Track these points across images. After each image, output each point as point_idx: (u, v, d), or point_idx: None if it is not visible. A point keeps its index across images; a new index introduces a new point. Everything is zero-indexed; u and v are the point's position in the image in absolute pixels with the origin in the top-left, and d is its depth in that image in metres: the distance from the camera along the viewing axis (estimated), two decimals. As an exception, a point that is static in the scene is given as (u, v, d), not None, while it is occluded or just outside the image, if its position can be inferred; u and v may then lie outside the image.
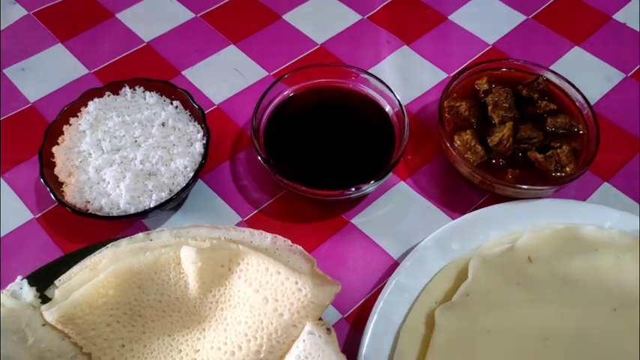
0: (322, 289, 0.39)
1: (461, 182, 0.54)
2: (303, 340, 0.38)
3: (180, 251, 0.41)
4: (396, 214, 0.53)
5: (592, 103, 0.59)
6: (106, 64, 0.63)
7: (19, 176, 0.54)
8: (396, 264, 0.50)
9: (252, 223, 0.52)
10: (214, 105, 0.60)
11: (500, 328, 0.44)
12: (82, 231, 0.50)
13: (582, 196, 0.54)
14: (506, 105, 0.51)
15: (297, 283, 0.38)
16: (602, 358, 0.44)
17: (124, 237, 0.44)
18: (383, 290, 0.46)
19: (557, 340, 0.44)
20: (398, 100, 0.52)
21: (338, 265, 0.50)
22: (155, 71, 0.62)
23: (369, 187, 0.48)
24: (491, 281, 0.46)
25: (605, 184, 0.55)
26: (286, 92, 0.55)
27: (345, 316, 0.48)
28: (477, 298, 0.45)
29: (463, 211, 0.53)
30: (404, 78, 0.62)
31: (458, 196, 0.54)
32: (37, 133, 0.51)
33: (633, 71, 0.63)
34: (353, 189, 0.47)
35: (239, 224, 0.52)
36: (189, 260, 0.40)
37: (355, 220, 0.53)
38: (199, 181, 0.54)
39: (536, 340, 0.44)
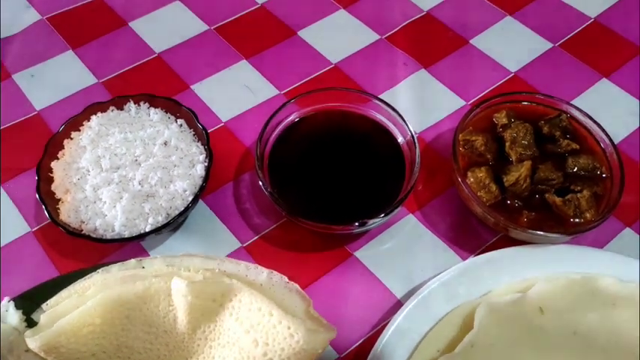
0: (316, 335, 0.37)
1: (473, 219, 0.51)
2: (293, 389, 0.36)
3: (172, 283, 0.40)
4: (403, 250, 0.50)
5: (617, 140, 0.57)
6: (115, 74, 0.62)
7: (19, 187, 0.53)
8: (398, 303, 0.47)
9: (251, 250, 0.50)
10: (221, 122, 0.58)
11: (505, 383, 0.42)
12: (76, 248, 0.49)
13: (601, 240, 0.51)
14: (525, 142, 0.48)
15: (289, 327, 0.36)
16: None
17: (116, 261, 0.43)
18: (383, 333, 0.43)
19: (566, 400, 0.41)
20: (410, 130, 0.50)
21: (338, 301, 0.48)
22: (164, 84, 0.61)
23: (374, 223, 0.46)
24: (498, 332, 0.43)
25: (627, 229, 0.51)
26: (294, 115, 0.53)
27: (342, 355, 0.45)
28: (482, 350, 0.42)
29: (473, 251, 0.50)
30: (419, 104, 0.60)
31: (469, 233, 0.51)
32: (41, 142, 0.50)
33: (662, 107, 0.59)
34: (357, 224, 0.45)
35: (238, 250, 0.50)
36: (179, 293, 0.39)
37: (359, 253, 0.50)
38: (200, 201, 0.53)
39: (543, 399, 0.41)
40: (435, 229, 0.52)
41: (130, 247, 0.50)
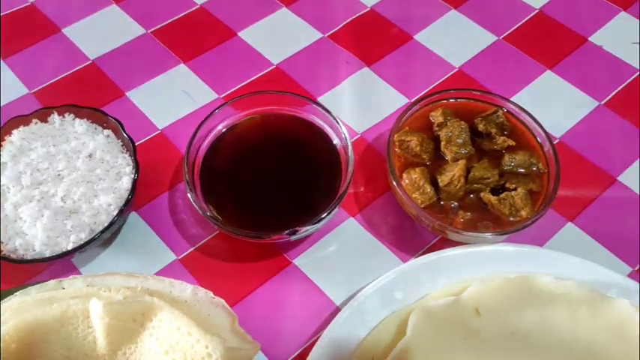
0: (236, 352, 0.35)
1: (414, 220, 0.51)
2: (213, 411, 0.34)
3: (90, 304, 0.38)
4: (343, 255, 0.49)
5: (561, 132, 0.56)
6: (47, 83, 0.60)
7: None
8: (337, 310, 0.46)
9: (187, 262, 0.49)
10: (158, 130, 0.56)
11: (441, 388, 0.41)
12: (3, 270, 0.47)
13: (544, 236, 0.50)
14: (461, 141, 0.47)
15: (207, 347, 0.35)
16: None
17: (36, 282, 0.41)
18: (317, 342, 0.42)
19: (505, 402, 0.41)
20: (344, 132, 0.48)
21: (275, 311, 0.47)
22: (99, 92, 0.59)
23: (307, 231, 0.45)
24: (434, 336, 0.42)
25: (569, 224, 0.51)
26: (227, 121, 0.51)
27: (279, 368, 0.44)
28: (417, 355, 0.41)
29: (415, 252, 0.49)
30: (361, 103, 0.58)
31: (410, 235, 0.50)
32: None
33: (607, 99, 0.59)
34: (287, 233, 0.43)
35: (173, 263, 0.49)
36: (96, 315, 0.37)
37: (298, 261, 0.49)
38: (134, 213, 0.51)
39: (482, 402, 0.41)
40: (377, 232, 0.51)
41: (59, 265, 0.48)
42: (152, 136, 0.56)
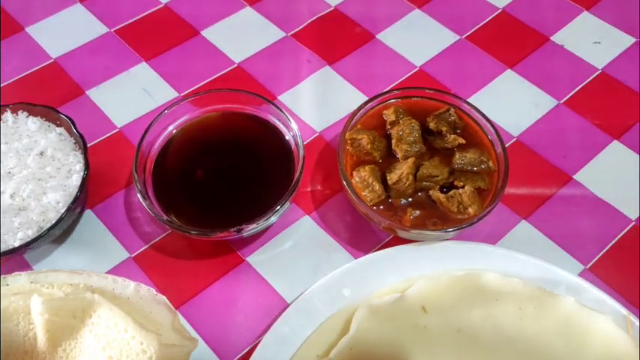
0: (171, 349, 0.35)
1: (368, 222, 0.51)
2: (147, 407, 0.35)
3: (30, 301, 0.38)
4: (296, 253, 0.49)
5: (519, 131, 0.57)
6: (8, 82, 0.60)
7: None
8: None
9: (140, 260, 0.49)
10: (116, 128, 0.56)
11: (386, 385, 0.41)
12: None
13: (498, 234, 0.50)
14: (411, 139, 0.47)
15: (142, 343, 0.35)
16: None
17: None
18: (263, 338, 0.42)
19: (449, 399, 0.41)
20: (295, 130, 0.48)
21: (226, 308, 0.47)
22: (59, 90, 0.59)
23: (254, 229, 0.45)
24: (379, 333, 0.42)
25: (523, 222, 0.51)
26: (182, 119, 0.51)
27: (228, 365, 0.44)
28: (362, 352, 0.41)
29: (368, 251, 0.49)
30: (321, 101, 0.58)
31: (364, 233, 0.50)
32: None
33: (566, 98, 0.59)
34: (233, 231, 0.43)
35: (126, 261, 0.49)
36: (36, 312, 0.37)
37: (251, 258, 0.49)
38: (89, 211, 0.51)
39: (427, 399, 0.41)
40: (331, 230, 0.51)
41: (13, 262, 0.48)
42: (110, 134, 0.56)
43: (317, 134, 0.56)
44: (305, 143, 0.55)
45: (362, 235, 0.50)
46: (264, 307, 0.47)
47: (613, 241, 0.50)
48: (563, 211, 0.52)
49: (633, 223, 0.51)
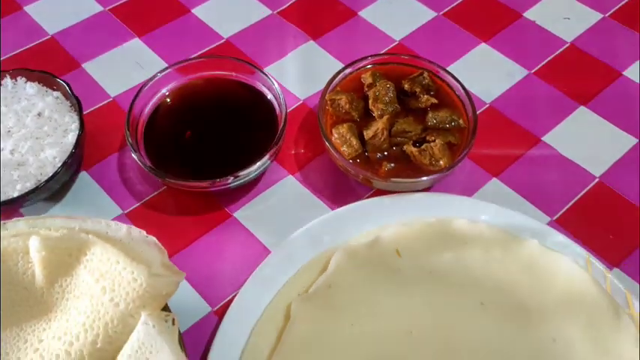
0: (159, 279, 0.38)
1: (350, 178, 0.54)
2: (138, 331, 0.37)
3: (29, 241, 0.41)
4: (280, 208, 0.52)
5: (492, 98, 0.60)
6: (7, 56, 0.63)
7: None
8: (272, 257, 0.49)
9: (133, 216, 0.52)
10: (110, 97, 0.60)
11: (363, 322, 0.44)
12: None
13: (470, 190, 0.53)
14: (387, 99, 0.51)
15: (132, 272, 0.38)
16: (467, 352, 0.43)
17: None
18: (246, 282, 0.45)
19: (422, 334, 0.43)
20: (277, 92, 0.52)
21: (213, 258, 0.50)
22: (56, 64, 0.62)
23: (238, 180, 0.48)
24: (355, 274, 0.45)
25: (494, 179, 0.54)
26: (171, 84, 0.54)
27: (215, 309, 0.47)
28: (340, 291, 0.44)
29: (348, 206, 0.52)
30: (305, 73, 0.62)
31: (344, 190, 0.53)
32: None
33: (537, 68, 0.62)
34: (219, 180, 0.46)
35: (119, 217, 0.52)
36: (34, 249, 0.40)
37: (238, 214, 0.52)
38: (84, 173, 0.54)
39: (400, 335, 0.43)
40: (314, 188, 0.54)
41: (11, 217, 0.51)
42: (104, 103, 0.59)
43: (300, 102, 0.60)
44: (289, 110, 0.58)
45: (342, 193, 0.53)
46: (249, 257, 0.49)
47: (578, 196, 0.53)
48: (531, 170, 0.55)
49: (597, 180, 0.54)
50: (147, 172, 0.53)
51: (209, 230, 0.51)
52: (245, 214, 0.52)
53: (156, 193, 0.53)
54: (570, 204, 0.53)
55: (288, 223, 0.51)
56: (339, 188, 0.53)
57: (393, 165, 0.49)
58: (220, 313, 0.47)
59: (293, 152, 0.56)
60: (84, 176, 0.54)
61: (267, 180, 0.54)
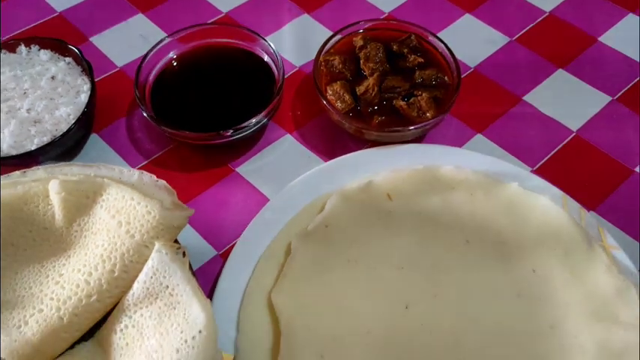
0: (171, 212, 0.42)
1: (344, 134, 0.57)
2: (152, 258, 0.41)
3: (49, 185, 0.44)
4: (279, 163, 0.56)
5: (476, 62, 0.64)
6: (18, 31, 0.66)
7: None
8: (272, 206, 0.53)
9: (141, 172, 0.55)
10: (117, 67, 0.63)
11: (358, 258, 0.47)
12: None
13: (456, 145, 0.57)
14: (377, 59, 0.54)
15: (146, 206, 0.41)
16: (454, 284, 0.47)
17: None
18: (248, 226, 0.49)
19: (412, 269, 0.47)
20: (273, 50, 0.55)
21: (218, 208, 0.53)
22: (64, 37, 0.65)
23: (240, 133, 0.51)
24: (350, 215, 0.49)
25: (479, 135, 0.58)
26: (175, 51, 0.58)
27: (220, 252, 0.51)
28: (336, 230, 0.48)
29: (342, 160, 0.56)
30: (300, 43, 0.66)
31: (338, 147, 0.57)
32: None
33: (518, 35, 0.67)
34: (230, 131, 0.50)
35: (129, 173, 0.55)
36: (54, 191, 0.43)
37: (240, 169, 0.56)
38: (94, 135, 0.58)
39: (392, 270, 0.47)
40: (309, 145, 0.57)
41: (28, 176, 0.55)
42: (112, 72, 0.63)
43: (296, 69, 0.63)
44: (286, 77, 0.61)
45: (337, 149, 0.57)
46: (251, 206, 0.53)
47: (556, 149, 0.57)
48: (513, 126, 0.59)
49: (574, 134, 0.58)
50: (154, 132, 0.57)
51: (213, 184, 0.55)
52: (247, 169, 0.56)
53: (163, 151, 0.57)
54: (549, 156, 0.57)
55: (286, 176, 0.54)
56: (333, 145, 0.57)
57: (383, 117, 0.52)
58: (225, 256, 0.50)
59: (290, 114, 0.60)
60: (94, 138, 0.58)
61: (267, 138, 0.58)
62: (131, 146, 0.57)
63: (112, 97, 0.60)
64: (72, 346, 0.42)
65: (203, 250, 0.51)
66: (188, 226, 0.52)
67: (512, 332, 0.45)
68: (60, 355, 0.42)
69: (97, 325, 0.43)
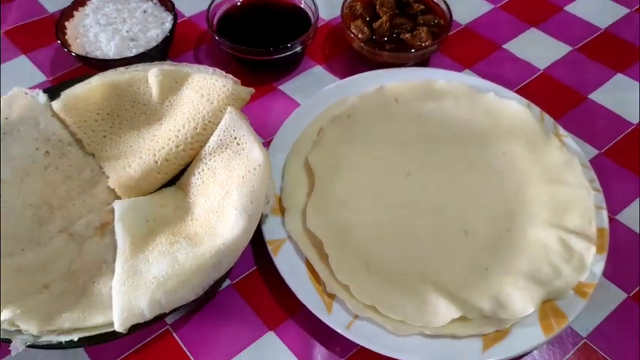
0: (240, 87, 0.58)
1: (360, 65, 0.74)
2: (225, 118, 0.57)
3: (149, 72, 0.61)
4: (312, 83, 0.72)
5: (467, 21, 0.81)
6: None
7: (41, 54, 0.75)
8: (306, 111, 0.69)
9: (205, 86, 0.72)
10: (185, 17, 0.81)
11: (370, 141, 0.63)
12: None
13: (449, 77, 0.74)
14: (389, 4, 0.72)
15: (222, 81, 0.58)
16: (443, 160, 0.62)
17: (110, 73, 0.64)
18: (285, 122, 0.64)
19: (411, 150, 0.63)
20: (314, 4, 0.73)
21: (262, 113, 0.69)
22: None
23: (284, 53, 0.68)
24: (367, 111, 0.65)
25: (467, 69, 0.75)
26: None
27: (264, 142, 0.67)
28: (356, 119, 0.64)
29: (360, 83, 0.72)
30: (329, 3, 0.83)
31: (358, 72, 0.73)
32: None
33: (501, 3, 0.84)
34: (272, 49, 0.67)
35: (196, 86, 0.72)
36: (153, 75, 0.60)
37: (281, 87, 0.72)
38: (169, 60, 0.75)
39: (396, 149, 0.63)
40: (335, 72, 0.74)
41: (119, 86, 0.71)
42: (183, 19, 0.80)
43: (325, 21, 0.81)
44: (319, 26, 0.79)
45: (356, 73, 0.73)
46: (289, 110, 0.68)
47: (526, 81, 0.73)
48: (494, 64, 0.75)
49: (541, 71, 0.74)
50: (214, 56, 0.73)
51: (260, 97, 0.71)
52: (286, 87, 0.72)
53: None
54: (521, 85, 0.73)
55: (317, 92, 0.71)
56: (353, 72, 0.74)
57: (393, 45, 0.69)
58: (267, 144, 0.66)
59: (320, 52, 0.77)
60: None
61: (302, 67, 0.74)
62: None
63: (183, 37, 0.77)
64: (160, 189, 0.58)
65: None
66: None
67: (487, 195, 0.59)
68: (152, 192, 0.57)
69: (179, 174, 0.58)
